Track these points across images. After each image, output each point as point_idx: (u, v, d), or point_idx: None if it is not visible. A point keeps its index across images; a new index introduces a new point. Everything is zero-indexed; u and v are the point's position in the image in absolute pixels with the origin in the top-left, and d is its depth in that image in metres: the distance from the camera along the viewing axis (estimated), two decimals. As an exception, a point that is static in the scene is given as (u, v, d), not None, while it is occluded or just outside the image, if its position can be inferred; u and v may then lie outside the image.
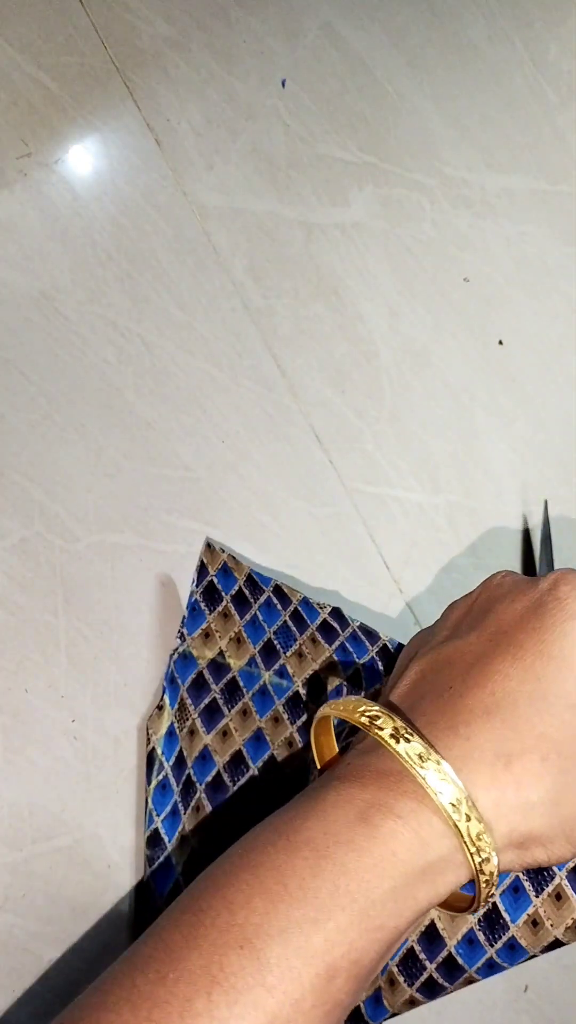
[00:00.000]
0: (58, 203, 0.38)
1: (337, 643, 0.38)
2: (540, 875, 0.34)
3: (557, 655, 0.25)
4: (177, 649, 0.37)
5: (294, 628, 0.38)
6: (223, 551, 0.39)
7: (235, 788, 0.36)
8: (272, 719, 0.37)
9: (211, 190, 0.41)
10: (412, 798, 0.23)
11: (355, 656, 0.38)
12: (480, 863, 0.23)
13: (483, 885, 0.23)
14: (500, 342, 0.46)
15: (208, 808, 0.36)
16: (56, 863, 0.35)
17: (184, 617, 0.38)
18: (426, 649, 0.28)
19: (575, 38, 0.48)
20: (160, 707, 0.36)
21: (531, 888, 0.34)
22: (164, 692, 0.36)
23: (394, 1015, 0.34)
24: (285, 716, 0.37)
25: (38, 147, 0.38)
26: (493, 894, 0.25)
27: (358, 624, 0.39)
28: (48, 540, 0.36)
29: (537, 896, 0.34)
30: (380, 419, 0.43)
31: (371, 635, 0.39)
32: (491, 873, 0.23)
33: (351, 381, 0.43)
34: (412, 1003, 0.34)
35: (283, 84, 0.42)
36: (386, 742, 0.24)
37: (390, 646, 0.39)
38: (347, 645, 0.38)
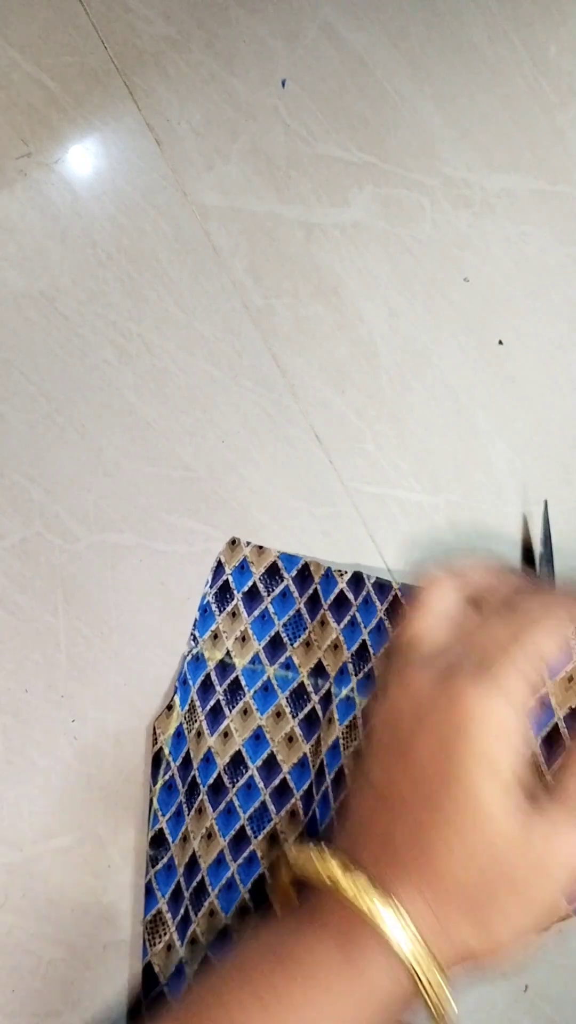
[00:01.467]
0: (58, 203, 0.38)
1: (347, 619, 0.39)
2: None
3: (471, 809, 0.27)
4: (190, 651, 0.37)
5: (306, 615, 0.39)
6: (248, 544, 0.39)
7: (233, 790, 0.36)
8: (274, 714, 0.37)
9: (211, 190, 0.41)
10: (377, 937, 0.26)
11: (363, 626, 0.39)
12: (436, 1004, 0.26)
13: (436, 1020, 0.26)
14: (500, 342, 0.46)
15: (210, 811, 0.36)
16: (56, 863, 0.35)
17: (196, 619, 0.38)
18: (367, 781, 0.30)
19: (575, 38, 0.48)
20: (170, 707, 0.36)
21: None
22: (175, 693, 0.36)
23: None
24: (288, 710, 0.37)
25: (38, 147, 0.38)
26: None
27: (373, 580, 0.40)
28: (48, 540, 0.36)
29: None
30: (380, 419, 0.43)
31: (383, 589, 0.40)
32: (443, 1013, 0.26)
33: (351, 381, 0.43)
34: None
35: (283, 84, 0.42)
36: (346, 898, 0.26)
37: (400, 594, 0.40)
38: (357, 616, 0.39)
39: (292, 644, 0.38)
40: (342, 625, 0.39)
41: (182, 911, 0.35)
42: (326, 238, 0.43)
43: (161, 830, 0.35)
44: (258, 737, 0.37)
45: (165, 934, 0.35)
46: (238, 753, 0.37)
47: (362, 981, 0.25)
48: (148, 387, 0.39)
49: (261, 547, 0.39)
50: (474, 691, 0.28)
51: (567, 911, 0.28)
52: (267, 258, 0.42)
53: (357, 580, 0.39)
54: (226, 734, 0.37)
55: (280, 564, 0.39)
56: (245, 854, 0.36)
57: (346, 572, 0.39)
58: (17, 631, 0.35)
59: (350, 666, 0.38)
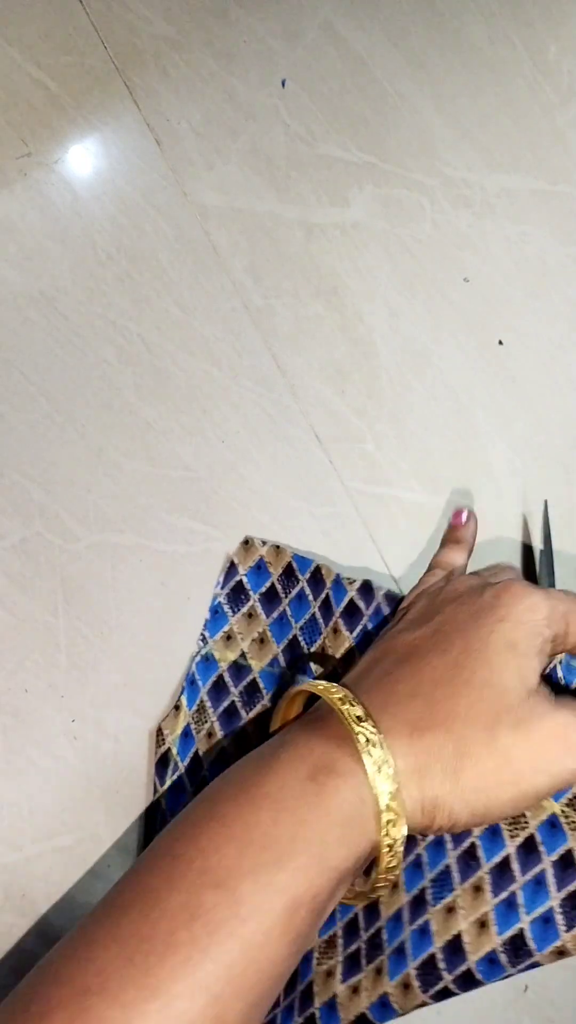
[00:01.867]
0: (58, 203, 0.38)
1: (359, 628, 0.39)
2: (573, 910, 0.34)
3: (477, 647, 0.29)
4: (200, 651, 0.37)
5: (320, 620, 0.38)
6: (264, 543, 0.39)
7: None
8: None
9: (211, 190, 0.41)
10: (352, 759, 0.28)
11: (376, 636, 0.38)
12: (387, 822, 0.27)
13: (384, 847, 0.27)
14: (500, 342, 0.46)
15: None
16: (56, 863, 0.35)
17: (206, 619, 0.38)
18: (383, 638, 0.33)
19: (575, 38, 0.48)
20: (177, 707, 0.36)
21: (562, 923, 0.34)
22: (182, 692, 0.36)
23: (401, 1015, 0.34)
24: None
25: (38, 147, 0.38)
26: (396, 858, 0.28)
27: (384, 592, 0.39)
28: (48, 540, 0.36)
29: (568, 931, 0.34)
30: (380, 419, 0.43)
31: (392, 600, 0.39)
32: (394, 839, 0.28)
33: (351, 381, 0.43)
34: (422, 1005, 0.34)
35: (283, 84, 0.42)
36: (334, 701, 0.29)
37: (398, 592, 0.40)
38: (368, 626, 0.39)
39: (309, 648, 0.38)
40: (354, 634, 0.38)
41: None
42: (326, 238, 0.43)
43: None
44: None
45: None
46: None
47: (329, 809, 0.27)
48: (148, 387, 0.39)
49: (278, 547, 0.39)
50: (521, 585, 0.31)
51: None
52: (267, 258, 0.42)
53: (367, 589, 0.39)
54: (242, 736, 0.36)
55: (295, 565, 0.39)
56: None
57: (355, 581, 0.39)
58: (17, 631, 0.35)
59: None
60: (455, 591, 0.33)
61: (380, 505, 0.43)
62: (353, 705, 0.29)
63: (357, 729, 0.28)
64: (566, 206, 0.48)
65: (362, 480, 0.42)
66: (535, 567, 0.46)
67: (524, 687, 0.28)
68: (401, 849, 0.28)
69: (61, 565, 0.36)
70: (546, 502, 0.45)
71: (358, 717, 0.28)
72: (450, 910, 0.34)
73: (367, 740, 0.27)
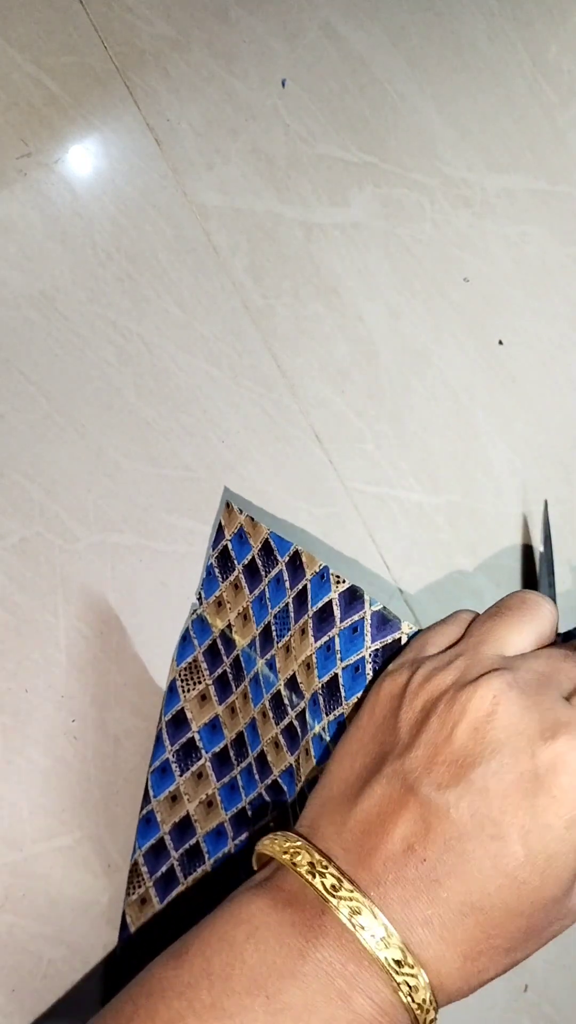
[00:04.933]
0: (58, 203, 0.38)
1: (324, 639, 0.32)
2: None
3: (541, 866, 0.24)
4: (195, 610, 0.37)
5: (292, 613, 0.34)
6: (241, 512, 0.36)
7: (239, 767, 0.36)
8: (261, 713, 0.35)
9: (211, 190, 0.41)
10: (387, 985, 0.23)
11: (339, 657, 0.32)
12: None
13: None
14: (500, 342, 0.46)
15: (214, 779, 0.36)
16: (56, 863, 0.35)
17: (202, 577, 0.37)
18: (392, 766, 0.26)
19: (575, 38, 0.48)
20: (173, 659, 0.36)
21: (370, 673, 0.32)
22: (176, 646, 0.36)
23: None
24: (271, 714, 0.35)
25: (38, 147, 0.38)
26: None
27: (377, 608, 0.32)
28: (48, 540, 0.36)
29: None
30: (380, 419, 0.43)
31: (385, 625, 0.32)
32: None
33: (351, 381, 0.43)
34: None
35: (283, 84, 0.42)
36: (367, 945, 0.23)
37: (407, 640, 0.32)
38: (336, 642, 0.32)
39: (277, 642, 0.34)
40: (318, 644, 0.32)
41: (164, 868, 0.35)
42: (326, 238, 0.43)
43: (146, 781, 0.35)
44: (254, 728, 0.35)
45: (140, 887, 0.35)
46: (241, 735, 0.36)
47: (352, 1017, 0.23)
48: (148, 387, 0.39)
49: (253, 519, 0.36)
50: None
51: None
52: (267, 258, 0.42)
53: (352, 596, 0.32)
54: (233, 710, 0.36)
55: (273, 544, 0.35)
56: (243, 836, 0.35)
57: (343, 581, 0.33)
58: (17, 631, 0.35)
59: (320, 699, 0.32)
60: (496, 727, 0.25)
61: (380, 505, 0.43)
62: (388, 944, 0.23)
63: (399, 979, 0.23)
64: (566, 206, 0.48)
65: (362, 480, 0.42)
66: (535, 567, 0.46)
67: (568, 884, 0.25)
68: None
69: (61, 565, 0.36)
70: (546, 502, 0.45)
71: (396, 961, 0.23)
72: (287, 649, 0.33)
73: (410, 988, 0.23)
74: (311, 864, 0.25)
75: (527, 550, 0.46)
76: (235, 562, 0.36)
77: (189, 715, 0.36)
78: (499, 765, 0.24)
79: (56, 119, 0.38)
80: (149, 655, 0.37)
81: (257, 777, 0.35)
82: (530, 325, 0.46)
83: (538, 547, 0.45)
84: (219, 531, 0.37)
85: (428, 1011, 0.24)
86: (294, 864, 0.25)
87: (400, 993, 0.23)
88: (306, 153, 0.43)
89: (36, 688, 0.35)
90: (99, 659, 0.36)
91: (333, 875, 0.24)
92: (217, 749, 0.36)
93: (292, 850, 0.25)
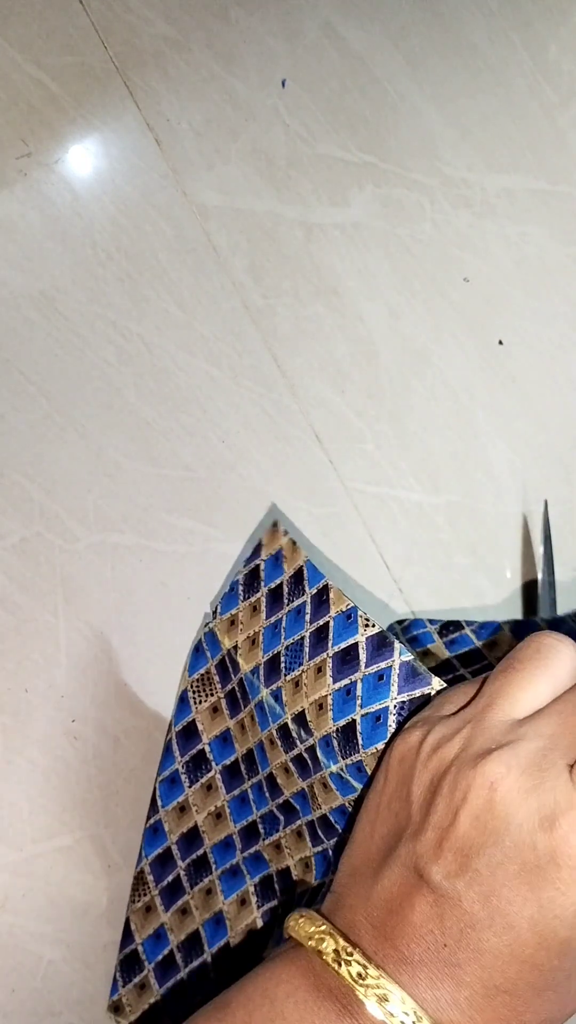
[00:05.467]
0: (58, 203, 0.38)
1: (344, 682, 0.31)
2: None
3: (554, 946, 0.24)
4: (207, 623, 0.36)
5: (308, 649, 0.32)
6: (286, 534, 0.35)
7: (250, 782, 0.35)
8: (268, 739, 0.34)
9: (211, 190, 0.41)
10: None
11: (360, 703, 0.30)
12: None
13: None
14: (500, 342, 0.46)
15: (223, 791, 0.35)
16: (56, 863, 0.35)
17: (224, 591, 0.37)
18: (405, 853, 0.26)
19: (575, 38, 0.48)
20: (185, 668, 0.36)
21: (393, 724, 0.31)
22: (188, 656, 0.36)
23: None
24: (279, 742, 0.34)
25: (38, 147, 0.38)
26: None
27: (407, 660, 0.30)
28: (48, 540, 0.36)
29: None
30: (380, 419, 0.43)
31: (414, 677, 0.30)
32: None
33: (351, 381, 0.43)
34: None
35: (283, 84, 0.42)
36: None
37: (432, 691, 0.30)
38: (358, 688, 0.30)
39: (286, 675, 0.33)
40: (337, 686, 0.31)
41: (170, 877, 0.35)
42: (326, 238, 0.43)
43: (154, 789, 0.35)
44: (262, 750, 0.35)
45: (145, 895, 0.35)
46: (251, 752, 0.35)
47: None
48: (148, 387, 0.39)
49: (295, 543, 0.35)
50: None
51: None
52: (267, 258, 0.42)
53: (381, 642, 0.30)
54: (243, 727, 0.36)
55: (305, 573, 0.33)
56: (252, 850, 0.35)
57: (373, 625, 0.31)
58: (17, 631, 0.35)
59: (335, 742, 0.31)
60: (494, 816, 0.25)
61: (380, 505, 0.43)
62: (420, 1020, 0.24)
63: None
64: (566, 206, 0.48)
65: (362, 480, 0.42)
66: (535, 567, 0.46)
67: None
68: None
69: (61, 565, 0.36)
70: (546, 502, 0.45)
71: None
72: (296, 684, 0.32)
73: None
74: (336, 952, 0.25)
75: (527, 550, 0.46)
76: (262, 584, 0.35)
77: (200, 727, 0.36)
78: (502, 856, 0.24)
79: (56, 119, 0.38)
80: (149, 655, 0.37)
81: (268, 795, 0.35)
82: (530, 325, 0.46)
83: (538, 547, 0.45)
84: (256, 549, 0.36)
85: None
86: (319, 952, 0.25)
87: None
88: (306, 153, 0.43)
89: (36, 688, 0.35)
90: (99, 659, 0.36)
91: (359, 962, 0.25)
92: (228, 762, 0.36)
93: (317, 936, 0.26)
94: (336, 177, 0.43)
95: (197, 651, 0.36)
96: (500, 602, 0.45)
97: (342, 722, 0.30)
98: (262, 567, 0.35)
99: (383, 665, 0.30)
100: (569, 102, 0.48)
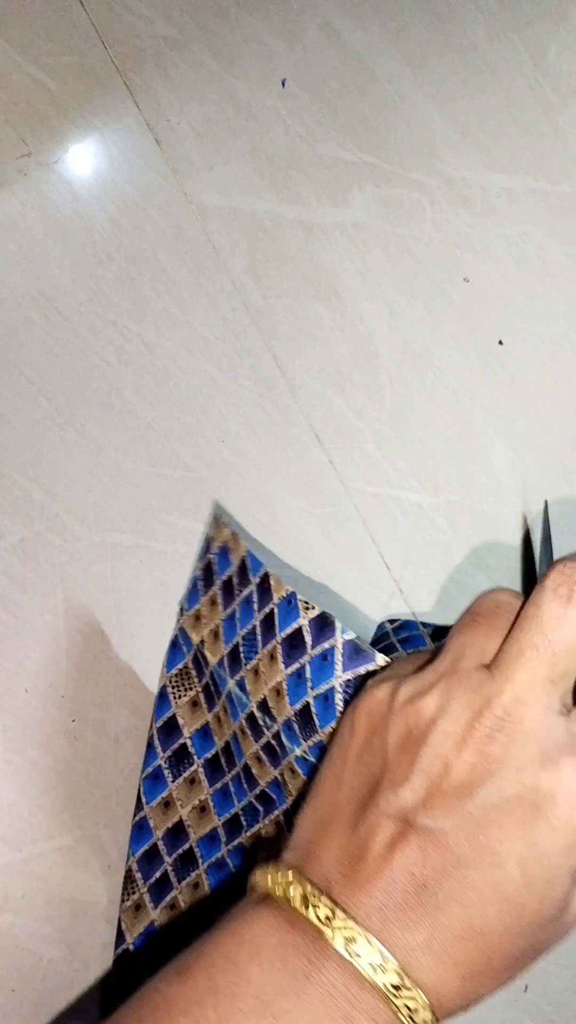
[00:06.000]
0: (58, 203, 0.38)
1: (295, 666, 0.31)
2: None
3: (539, 891, 0.24)
4: (179, 620, 0.37)
5: (260, 637, 0.33)
6: (227, 526, 0.36)
7: (230, 775, 0.36)
8: (240, 729, 0.34)
9: (211, 190, 0.41)
10: (387, 1007, 0.24)
11: (310, 685, 0.31)
12: None
13: None
14: (500, 342, 0.46)
15: (206, 785, 0.35)
16: (56, 863, 0.35)
17: (187, 588, 0.37)
18: (392, 798, 0.26)
19: (575, 38, 0.48)
20: (164, 664, 0.36)
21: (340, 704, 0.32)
22: (166, 652, 0.36)
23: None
24: (248, 732, 0.34)
25: (38, 147, 0.38)
26: None
27: (349, 639, 0.31)
28: (48, 540, 0.36)
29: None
30: (380, 419, 0.43)
31: (357, 656, 0.30)
32: None
33: (351, 381, 0.43)
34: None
35: (283, 84, 0.42)
36: (365, 973, 0.24)
37: (376, 667, 0.30)
38: (307, 670, 0.31)
39: (246, 664, 0.33)
40: (288, 671, 0.31)
41: (158, 874, 0.35)
42: (326, 238, 0.43)
43: (138, 787, 0.35)
44: (236, 741, 0.35)
45: (134, 892, 0.35)
46: (228, 744, 0.36)
47: None
48: (148, 387, 0.39)
49: (236, 535, 0.35)
50: (573, 774, 0.24)
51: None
52: (267, 258, 0.42)
53: (323, 623, 0.31)
54: (219, 720, 0.36)
55: (248, 563, 0.34)
56: (236, 842, 0.35)
57: (312, 608, 0.31)
58: (17, 631, 0.35)
59: (295, 725, 0.31)
60: (490, 759, 0.25)
61: (380, 505, 0.43)
62: (385, 970, 0.24)
63: (399, 1002, 0.24)
64: (566, 206, 0.48)
65: (362, 480, 0.42)
66: (535, 567, 0.46)
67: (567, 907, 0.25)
68: None
69: (61, 565, 0.36)
70: (546, 502, 0.45)
71: (395, 986, 0.24)
72: (255, 672, 0.32)
73: (410, 1010, 0.24)
74: (304, 897, 0.25)
75: (527, 550, 0.46)
76: (215, 577, 0.35)
77: (181, 721, 0.36)
78: (498, 796, 0.25)
79: (56, 119, 0.38)
80: (149, 655, 0.37)
81: (246, 787, 0.35)
82: (530, 325, 0.46)
83: (538, 547, 0.45)
84: (207, 544, 0.36)
85: None
86: (288, 899, 0.25)
87: (400, 1015, 0.24)
88: (306, 153, 0.43)
89: (36, 688, 0.35)
90: (99, 659, 0.36)
91: (327, 905, 0.25)
92: (209, 755, 0.36)
93: (284, 883, 0.26)
94: (336, 177, 0.43)
95: (174, 647, 0.36)
96: (500, 602, 0.45)
97: (298, 705, 0.31)
98: (214, 561, 0.35)
99: (326, 645, 0.31)
100: (569, 102, 0.48)
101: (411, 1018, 0.24)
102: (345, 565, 0.41)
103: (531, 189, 0.47)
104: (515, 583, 0.46)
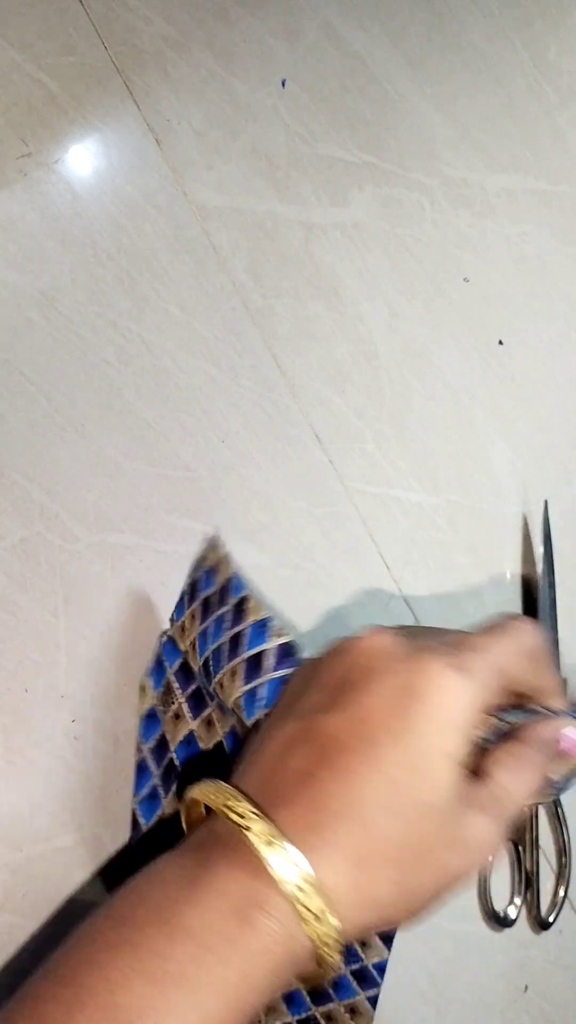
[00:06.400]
0: (58, 203, 0.38)
1: (251, 685, 0.33)
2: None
3: (413, 763, 0.27)
4: (166, 632, 0.37)
5: (225, 653, 0.34)
6: (221, 548, 0.37)
7: None
8: (239, 722, 0.35)
9: (211, 190, 0.41)
10: (283, 898, 0.25)
11: (265, 703, 0.33)
12: (326, 955, 0.25)
13: (328, 971, 0.26)
14: (500, 342, 0.46)
15: None
16: (56, 863, 0.35)
17: (177, 601, 0.37)
18: (293, 715, 0.29)
19: (575, 38, 0.48)
20: (142, 688, 0.36)
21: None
22: (148, 673, 0.36)
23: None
24: (227, 747, 0.35)
25: (38, 147, 0.38)
26: (343, 971, 0.27)
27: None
28: (48, 540, 0.36)
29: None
30: (380, 419, 0.43)
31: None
32: (336, 965, 0.26)
33: (351, 381, 0.43)
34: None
35: (283, 84, 0.42)
36: (247, 839, 0.25)
37: None
38: (261, 692, 0.33)
39: (214, 677, 0.34)
40: (245, 689, 0.33)
41: None
42: (326, 238, 0.43)
43: (133, 811, 0.35)
44: (234, 736, 0.35)
45: None
46: (220, 743, 0.36)
47: (256, 951, 0.25)
48: (148, 387, 0.39)
49: (227, 556, 0.36)
50: (442, 664, 0.28)
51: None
52: (267, 258, 0.42)
53: (287, 652, 0.33)
54: (209, 723, 0.36)
55: (231, 585, 0.35)
56: None
57: (285, 635, 0.33)
58: (17, 631, 0.35)
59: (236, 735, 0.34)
60: (367, 655, 0.29)
61: (380, 505, 0.43)
62: (272, 843, 0.25)
63: (287, 881, 0.25)
64: (566, 206, 0.48)
65: (362, 480, 0.42)
66: (535, 567, 0.46)
67: (460, 801, 0.27)
68: (340, 964, 0.27)
69: (61, 565, 0.36)
70: (546, 502, 0.45)
71: (275, 855, 0.25)
72: (221, 686, 0.34)
73: (299, 888, 0.25)
74: (226, 807, 0.27)
75: (527, 550, 0.46)
76: (199, 593, 0.36)
77: (168, 737, 0.36)
78: (377, 684, 0.28)
79: (56, 119, 0.38)
80: (149, 655, 0.37)
81: None
82: (530, 325, 0.46)
83: (538, 547, 0.45)
84: (199, 561, 0.37)
85: (323, 921, 0.25)
86: (193, 801, 0.28)
87: (297, 906, 0.25)
88: (306, 153, 0.43)
89: (36, 688, 0.35)
90: (99, 659, 0.36)
91: (229, 793, 0.27)
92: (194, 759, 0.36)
93: (209, 792, 0.28)
94: (336, 177, 0.43)
95: (158, 665, 0.36)
96: (500, 602, 0.45)
97: (251, 721, 0.33)
98: (201, 579, 0.37)
99: (288, 671, 0.33)
100: (569, 102, 0.48)
101: (306, 906, 0.25)
102: (345, 565, 0.41)
103: (531, 189, 0.47)
104: (515, 583, 0.46)
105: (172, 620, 0.37)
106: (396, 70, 0.44)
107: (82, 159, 0.39)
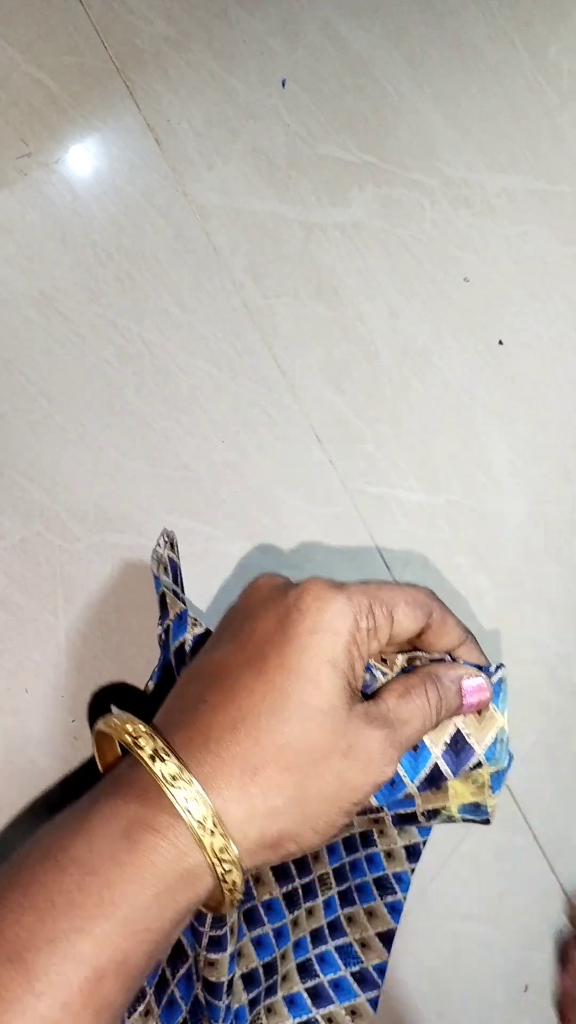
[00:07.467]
0: (58, 203, 0.38)
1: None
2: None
3: (295, 667, 0.27)
4: (159, 633, 0.37)
5: (160, 652, 0.35)
6: (161, 548, 0.36)
7: None
8: None
9: (211, 190, 0.41)
10: (169, 813, 0.25)
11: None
12: (223, 873, 0.26)
13: (227, 892, 0.26)
14: (500, 342, 0.46)
15: None
16: (56, 863, 0.35)
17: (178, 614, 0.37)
18: (193, 660, 0.31)
19: (575, 38, 0.48)
20: (146, 689, 0.36)
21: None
22: (151, 678, 0.36)
23: None
24: None
25: (38, 147, 0.38)
26: (238, 897, 0.27)
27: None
28: (48, 540, 0.36)
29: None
30: (380, 419, 0.43)
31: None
32: (233, 882, 0.26)
33: (351, 381, 0.43)
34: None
35: (283, 84, 0.42)
36: (145, 763, 0.26)
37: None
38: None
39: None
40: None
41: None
42: (326, 238, 0.43)
43: None
44: None
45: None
46: None
47: (142, 868, 0.25)
48: (148, 387, 0.39)
49: (157, 554, 0.36)
50: (321, 584, 0.29)
51: (368, 803, 0.30)
52: (267, 258, 0.42)
53: (204, 639, 0.34)
54: None
55: (156, 585, 0.36)
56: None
57: (199, 624, 0.34)
58: (17, 631, 0.35)
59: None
60: (257, 592, 0.31)
61: (380, 505, 0.43)
62: (164, 758, 0.26)
63: (172, 791, 0.25)
64: (566, 206, 0.48)
65: (362, 480, 0.42)
66: (536, 567, 0.46)
67: (347, 707, 0.28)
68: (242, 887, 0.26)
69: (61, 565, 0.36)
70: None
71: (172, 776, 0.25)
72: None
73: (186, 799, 0.25)
74: (119, 725, 0.27)
75: (528, 550, 0.46)
76: (171, 642, 0.36)
77: None
78: (263, 610, 0.29)
79: (56, 119, 0.38)
80: (149, 655, 0.37)
81: None
82: (530, 325, 0.46)
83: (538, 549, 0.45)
84: (164, 611, 0.36)
85: (216, 833, 0.25)
86: (100, 734, 0.29)
87: (181, 813, 0.25)
88: (306, 153, 0.43)
89: (36, 688, 0.35)
90: (99, 659, 0.36)
91: (127, 719, 0.28)
92: None
93: (112, 723, 0.28)
94: (336, 177, 0.43)
95: (164, 668, 0.36)
96: (500, 601, 0.45)
97: None
98: (171, 627, 0.36)
99: None
100: (569, 102, 0.48)
101: (195, 818, 0.25)
102: (345, 565, 0.41)
103: (531, 189, 0.47)
104: (515, 584, 0.46)
105: (168, 628, 0.37)
106: (396, 70, 0.44)
107: (82, 159, 0.39)
